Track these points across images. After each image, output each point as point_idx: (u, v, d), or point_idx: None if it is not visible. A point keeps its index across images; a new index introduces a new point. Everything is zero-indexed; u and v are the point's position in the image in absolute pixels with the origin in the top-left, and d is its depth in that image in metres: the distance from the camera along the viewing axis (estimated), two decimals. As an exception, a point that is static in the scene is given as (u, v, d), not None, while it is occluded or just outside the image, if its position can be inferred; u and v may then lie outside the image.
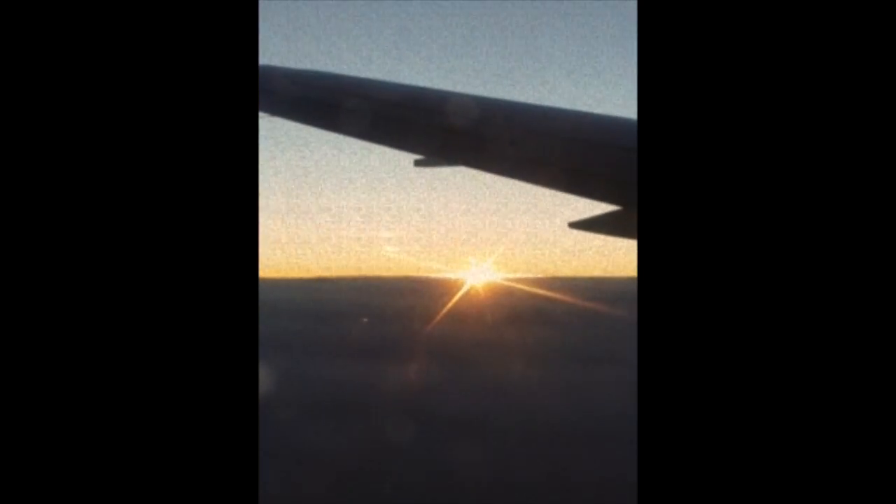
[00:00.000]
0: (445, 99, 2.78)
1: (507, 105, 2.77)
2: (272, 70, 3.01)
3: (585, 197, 2.50)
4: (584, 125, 2.65)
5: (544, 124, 2.62)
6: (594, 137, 2.59)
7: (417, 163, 2.69)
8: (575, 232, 2.72)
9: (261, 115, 2.83)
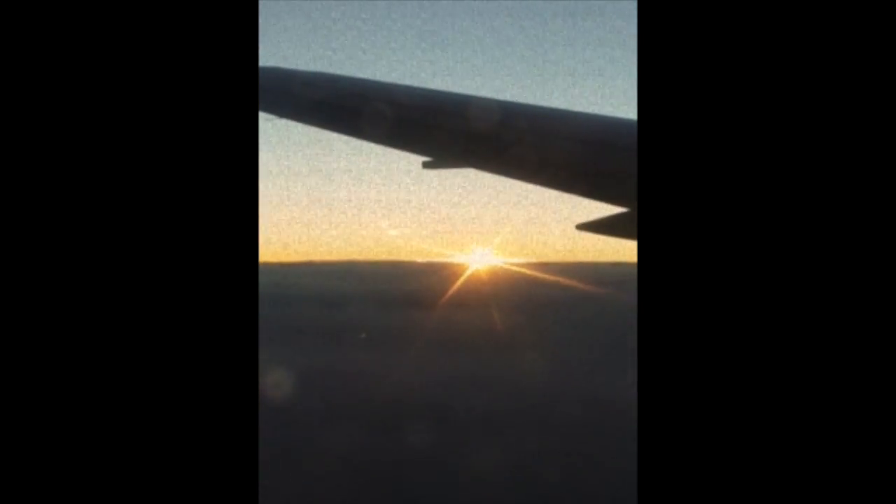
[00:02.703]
0: (456, 102, 2.73)
1: (516, 108, 2.72)
2: (286, 73, 2.96)
3: (594, 199, 2.46)
4: (593, 127, 2.61)
5: (554, 126, 2.58)
6: (603, 139, 2.55)
7: (426, 165, 2.65)
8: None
9: (273, 117, 2.79)
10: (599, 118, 2.68)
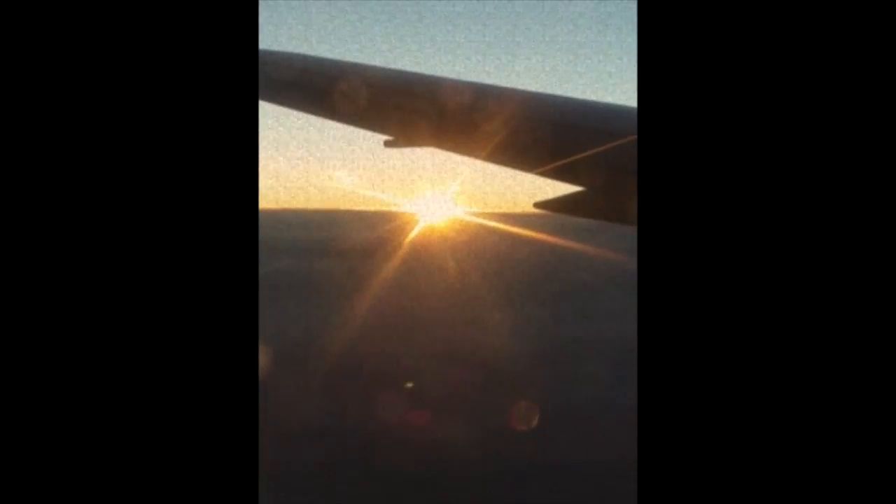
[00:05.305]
0: (420, 82, 2.70)
1: (475, 87, 2.69)
2: (261, 54, 2.87)
3: (549, 178, 2.47)
4: (551, 107, 2.60)
5: (513, 107, 2.56)
6: (560, 119, 2.54)
7: (387, 143, 2.63)
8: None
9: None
10: (559, 98, 2.67)
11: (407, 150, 2.66)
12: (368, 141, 2.56)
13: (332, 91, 2.69)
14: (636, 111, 2.49)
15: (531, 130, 2.48)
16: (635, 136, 2.30)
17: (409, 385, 10.34)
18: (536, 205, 2.57)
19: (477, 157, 2.57)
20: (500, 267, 25.76)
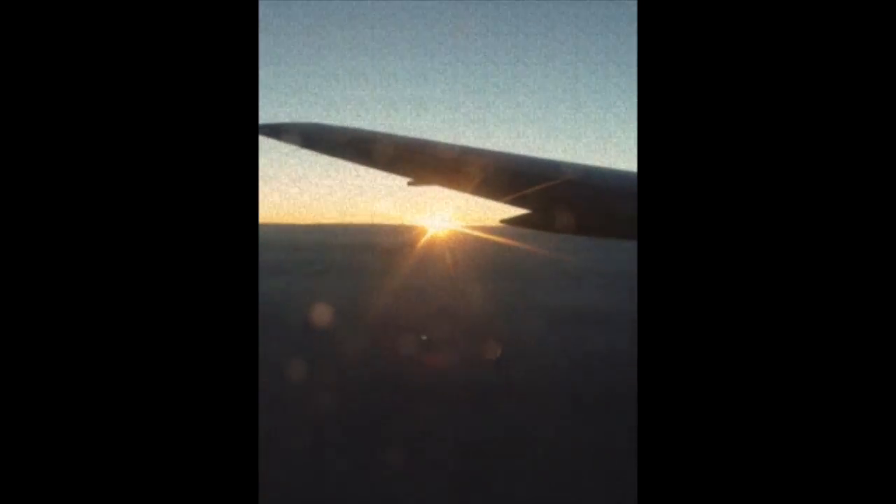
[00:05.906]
0: (430, 145, 3.59)
1: (462, 148, 3.58)
2: (323, 126, 3.81)
3: (510, 205, 3.34)
4: (508, 162, 3.49)
5: (487, 161, 3.45)
6: (514, 169, 3.43)
7: (409, 183, 3.51)
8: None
9: (316, 153, 3.64)
10: (513, 156, 3.55)
11: (422, 187, 3.54)
12: (397, 181, 3.47)
13: (372, 150, 3.58)
14: (563, 163, 3.41)
15: (498, 176, 3.34)
16: (561, 180, 3.25)
17: (425, 338, 13.66)
18: (502, 221, 3.46)
19: (465, 192, 3.49)
20: (477, 258, 38.48)
